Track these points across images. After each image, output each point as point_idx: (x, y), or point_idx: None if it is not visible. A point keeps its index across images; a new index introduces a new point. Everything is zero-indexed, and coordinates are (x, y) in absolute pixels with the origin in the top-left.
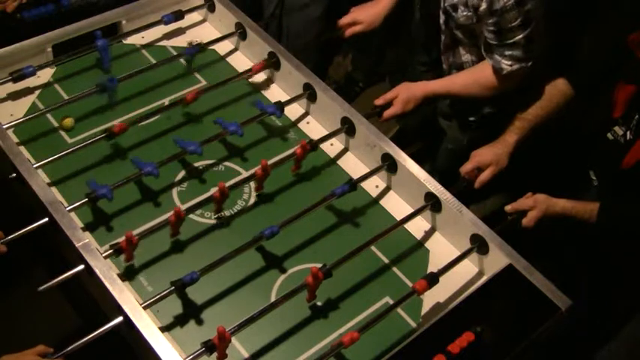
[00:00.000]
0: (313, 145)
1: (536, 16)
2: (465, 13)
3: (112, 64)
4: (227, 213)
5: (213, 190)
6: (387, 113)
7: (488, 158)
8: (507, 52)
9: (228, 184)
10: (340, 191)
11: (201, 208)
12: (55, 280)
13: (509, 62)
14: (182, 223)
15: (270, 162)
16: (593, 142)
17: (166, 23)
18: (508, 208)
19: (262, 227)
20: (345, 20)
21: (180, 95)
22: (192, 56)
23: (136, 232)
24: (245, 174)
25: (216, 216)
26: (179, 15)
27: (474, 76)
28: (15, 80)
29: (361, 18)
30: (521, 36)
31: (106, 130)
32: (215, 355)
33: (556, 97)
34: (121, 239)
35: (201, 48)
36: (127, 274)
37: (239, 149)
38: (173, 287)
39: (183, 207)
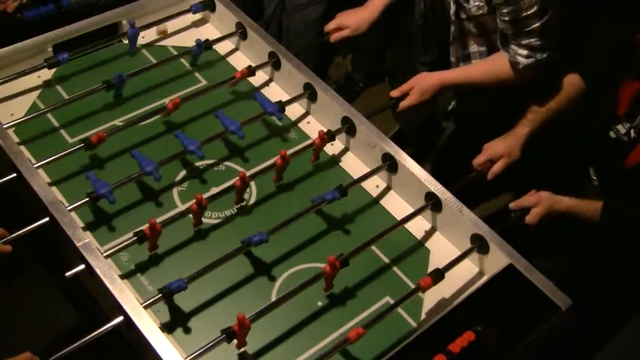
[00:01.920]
0: (331, 136)
1: (553, 5)
2: (476, 3)
3: (112, 64)
4: (228, 213)
5: (214, 190)
6: (403, 104)
7: (500, 150)
8: (524, 42)
9: (228, 183)
10: (331, 197)
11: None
12: (71, 272)
13: (526, 53)
14: (204, 211)
15: (270, 161)
16: (595, 139)
17: (194, 12)
18: (512, 205)
19: (263, 227)
20: (330, 26)
21: (180, 95)
22: (197, 55)
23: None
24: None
25: (237, 206)
26: (207, 4)
27: (490, 67)
28: (50, 67)
29: (347, 23)
30: (537, 24)
31: (83, 140)
32: (214, 352)
33: (568, 90)
34: (145, 226)
35: (206, 46)
36: (128, 274)
37: (239, 149)
38: (161, 295)
39: (184, 206)
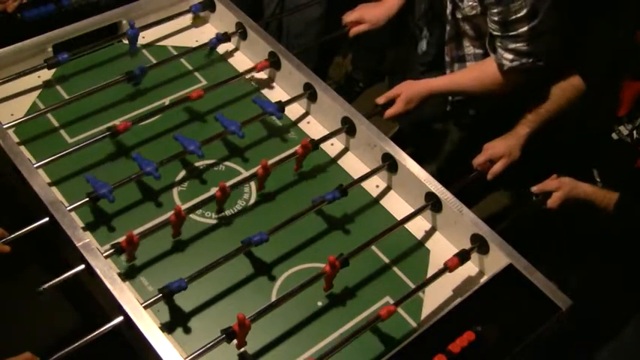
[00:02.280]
0: (314, 145)
1: (545, 9)
2: (470, 3)
3: (111, 64)
4: (228, 213)
5: (214, 190)
6: (389, 112)
7: (500, 150)
8: (511, 46)
9: (228, 183)
10: (331, 197)
11: (202, 208)
12: (56, 279)
13: (511, 57)
14: (183, 222)
15: (270, 162)
16: (597, 141)
17: (194, 12)
18: (534, 189)
19: (263, 227)
20: (350, 17)
21: (180, 95)
22: (214, 47)
23: (136, 231)
24: (245, 174)
25: (218, 216)
26: (207, 4)
27: (477, 73)
28: (50, 67)
29: (367, 17)
30: (525, 28)
31: (109, 128)
32: (214, 352)
33: (569, 90)
34: (122, 238)
35: (225, 38)
36: (128, 274)
37: (239, 149)
38: (161, 295)
39: (184, 207)
